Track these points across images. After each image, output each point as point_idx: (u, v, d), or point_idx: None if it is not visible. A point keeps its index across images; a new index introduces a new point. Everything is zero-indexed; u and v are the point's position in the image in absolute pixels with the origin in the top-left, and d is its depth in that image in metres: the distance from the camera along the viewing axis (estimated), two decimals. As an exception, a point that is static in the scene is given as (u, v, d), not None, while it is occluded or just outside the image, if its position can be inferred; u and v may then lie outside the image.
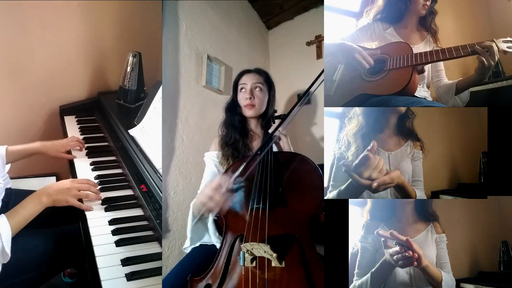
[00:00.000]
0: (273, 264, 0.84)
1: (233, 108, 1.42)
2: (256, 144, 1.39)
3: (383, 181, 1.09)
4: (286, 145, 1.39)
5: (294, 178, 1.10)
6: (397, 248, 1.09)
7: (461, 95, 1.28)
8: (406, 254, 1.06)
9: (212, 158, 1.37)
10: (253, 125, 1.43)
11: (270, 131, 1.31)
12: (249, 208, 0.99)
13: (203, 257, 1.15)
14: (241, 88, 1.39)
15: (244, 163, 1.03)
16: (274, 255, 0.82)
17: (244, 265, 0.86)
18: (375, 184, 1.07)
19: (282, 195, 1.03)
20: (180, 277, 1.05)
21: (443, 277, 1.13)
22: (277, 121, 1.47)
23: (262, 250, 0.82)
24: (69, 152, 1.58)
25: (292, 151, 1.40)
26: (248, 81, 1.38)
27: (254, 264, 0.86)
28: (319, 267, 0.85)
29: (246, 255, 0.84)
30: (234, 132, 1.37)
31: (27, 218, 1.10)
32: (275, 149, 1.40)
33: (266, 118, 1.41)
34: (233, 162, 1.27)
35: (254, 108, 1.36)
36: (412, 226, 1.20)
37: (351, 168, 1.10)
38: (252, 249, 0.83)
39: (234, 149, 1.33)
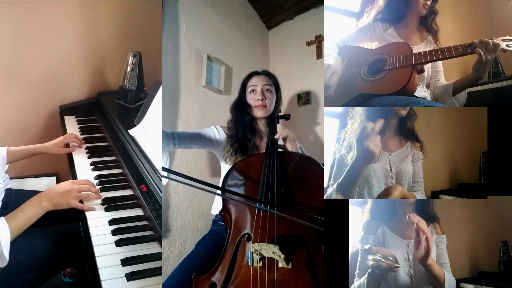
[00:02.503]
0: (280, 265, 0.85)
1: (241, 107, 1.47)
2: (263, 143, 1.43)
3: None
4: (290, 145, 1.37)
5: (300, 179, 1.11)
6: (378, 263, 1.13)
7: (458, 96, 1.28)
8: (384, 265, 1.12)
9: (217, 128, 1.46)
10: (261, 124, 1.48)
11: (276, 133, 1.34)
12: (256, 208, 1.00)
13: (205, 257, 1.16)
14: (252, 90, 1.44)
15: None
16: (282, 256, 0.83)
17: (252, 265, 0.87)
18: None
19: (289, 196, 1.04)
20: (182, 277, 1.06)
21: (445, 277, 1.13)
22: (281, 121, 1.52)
23: (271, 250, 0.83)
24: (67, 146, 1.59)
25: (298, 149, 1.40)
26: (258, 83, 1.43)
27: (260, 264, 0.86)
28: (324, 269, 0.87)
29: (254, 255, 0.85)
30: (244, 130, 1.41)
31: (27, 222, 1.10)
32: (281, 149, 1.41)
33: (272, 118, 1.46)
34: (240, 158, 1.31)
35: (266, 108, 1.42)
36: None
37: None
38: (260, 249, 0.84)
39: (242, 145, 1.37)
